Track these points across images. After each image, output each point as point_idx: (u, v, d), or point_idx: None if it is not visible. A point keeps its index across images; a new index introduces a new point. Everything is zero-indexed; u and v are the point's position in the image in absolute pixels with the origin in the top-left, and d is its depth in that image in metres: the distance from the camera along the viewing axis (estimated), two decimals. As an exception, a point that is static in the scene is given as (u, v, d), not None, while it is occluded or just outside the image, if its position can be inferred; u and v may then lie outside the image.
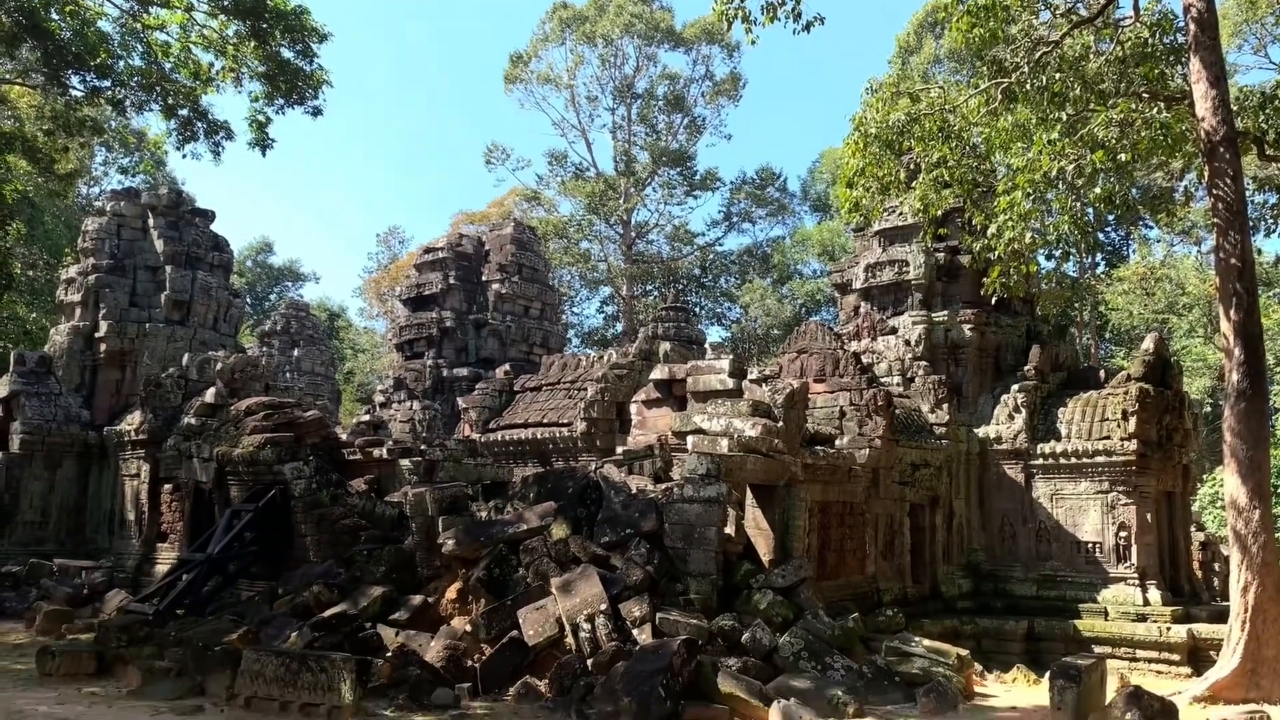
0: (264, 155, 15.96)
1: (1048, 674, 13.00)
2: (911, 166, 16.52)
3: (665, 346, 17.30)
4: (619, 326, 48.44)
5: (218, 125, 17.15)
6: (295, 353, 36.05)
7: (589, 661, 9.71)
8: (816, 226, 45.27)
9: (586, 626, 10.05)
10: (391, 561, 12.49)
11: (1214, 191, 11.36)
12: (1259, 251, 29.53)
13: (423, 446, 14.53)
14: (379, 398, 27.85)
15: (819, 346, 17.12)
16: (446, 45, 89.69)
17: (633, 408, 16.03)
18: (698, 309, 48.20)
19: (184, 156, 17.17)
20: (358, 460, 18.20)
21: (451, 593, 11.77)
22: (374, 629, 11.09)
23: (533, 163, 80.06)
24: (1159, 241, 35.48)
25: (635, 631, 10.12)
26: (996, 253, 12.94)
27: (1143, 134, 11.49)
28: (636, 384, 17.51)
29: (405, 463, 17.20)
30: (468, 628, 10.95)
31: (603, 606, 10.15)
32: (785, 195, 47.91)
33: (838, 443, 15.55)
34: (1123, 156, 11.51)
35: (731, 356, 14.87)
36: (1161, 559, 16.76)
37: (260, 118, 15.70)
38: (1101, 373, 18.60)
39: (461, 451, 14.77)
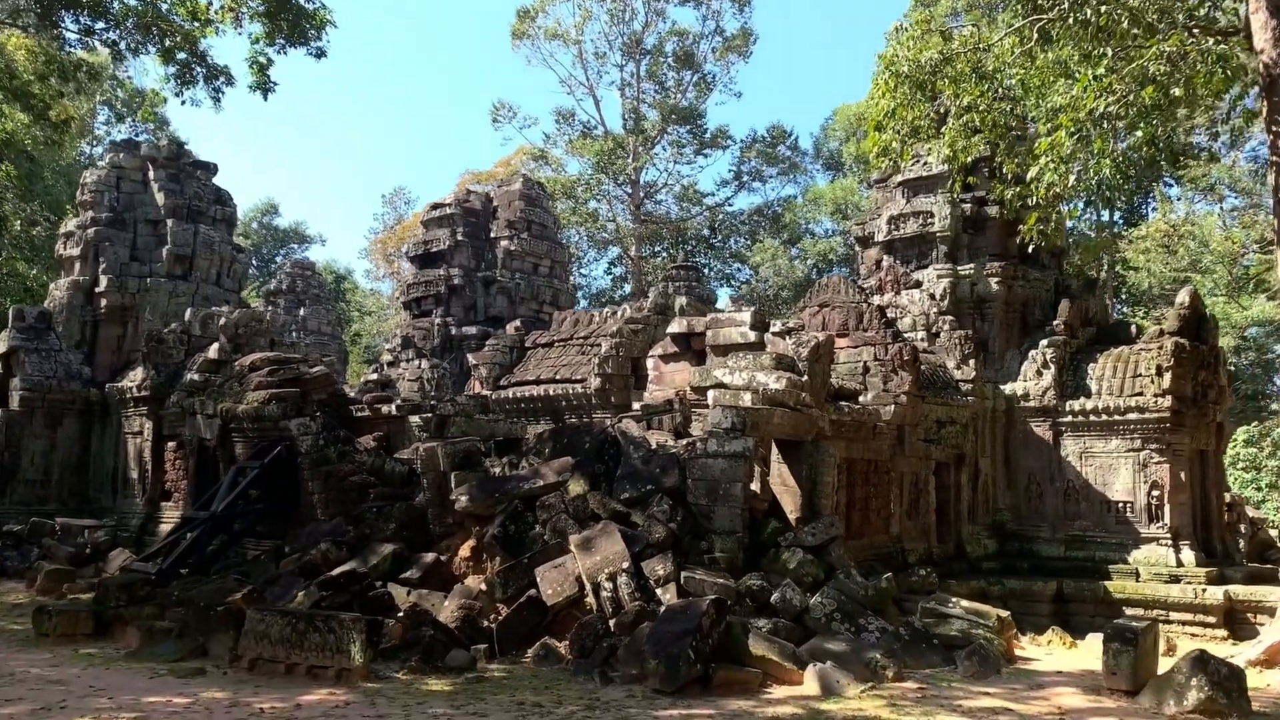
0: (265, 99, 15.29)
1: (1089, 637, 12.63)
2: (941, 111, 15.86)
3: (681, 301, 16.70)
4: (627, 288, 47.77)
5: (217, 70, 16.46)
6: (301, 312, 35.49)
7: (611, 622, 9.23)
8: (829, 184, 44.38)
9: (608, 586, 9.57)
10: (402, 518, 12.00)
11: (1273, 128, 10.70)
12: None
13: (433, 402, 14.01)
14: (387, 357, 27.32)
15: (842, 300, 16.51)
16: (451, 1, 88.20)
17: (649, 362, 15.48)
18: (707, 270, 47.47)
19: (183, 103, 16.43)
20: (366, 417, 17.71)
21: (465, 550, 11.30)
22: (384, 588, 10.62)
23: (540, 121, 78.79)
24: (1180, 199, 34.62)
25: (659, 591, 9.63)
26: (1035, 198, 12.29)
27: (1198, 68, 10.79)
28: (652, 339, 16.95)
29: (415, 419, 16.69)
30: (483, 587, 10.48)
31: (625, 565, 9.65)
32: (797, 154, 46.98)
33: (861, 399, 15.00)
34: (1176, 91, 10.82)
35: (754, 309, 14.28)
36: (1194, 519, 16.25)
37: (261, 59, 15.01)
38: (1133, 328, 18.00)
39: (473, 407, 14.25)
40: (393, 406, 17.41)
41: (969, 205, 18.39)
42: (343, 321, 47.88)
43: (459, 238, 27.31)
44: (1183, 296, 16.96)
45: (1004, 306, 18.03)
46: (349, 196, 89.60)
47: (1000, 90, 14.12)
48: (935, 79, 13.37)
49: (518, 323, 20.70)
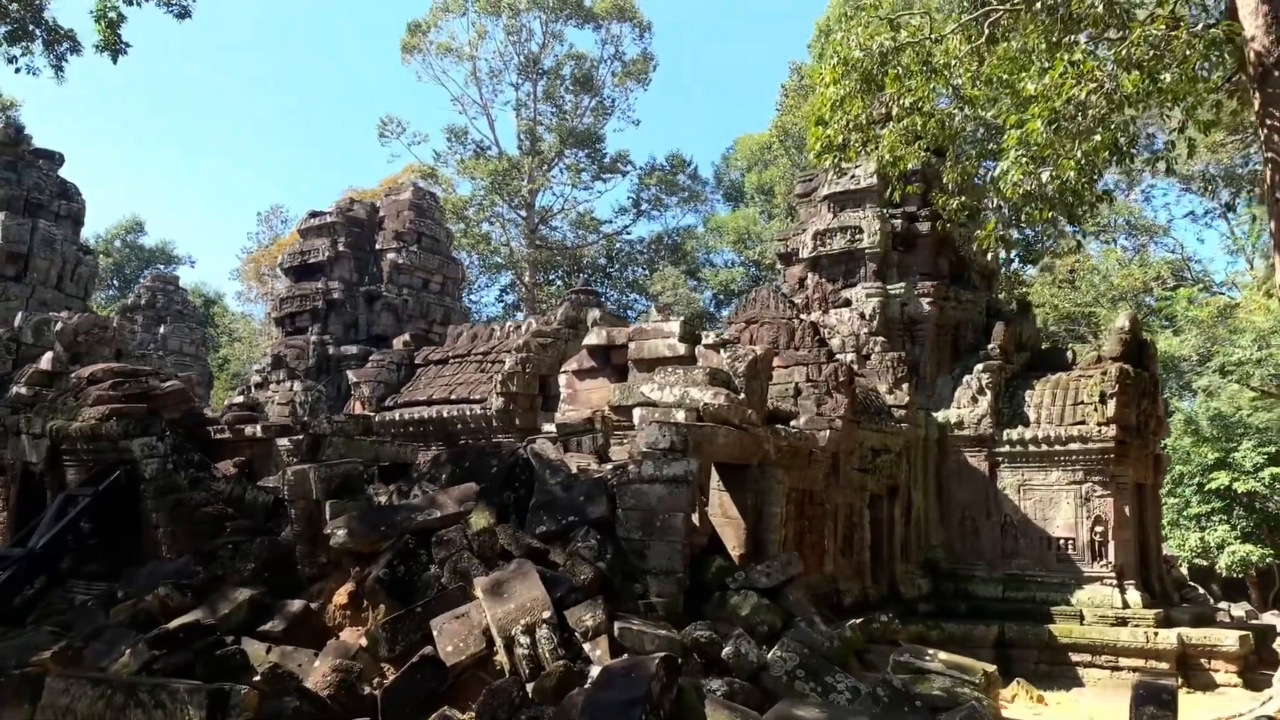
0: (115, 61, 12.99)
1: (1073, 691, 11.33)
2: (881, 113, 14.71)
3: (594, 313, 15.00)
4: (520, 315, 45.79)
5: (60, 33, 14.12)
6: (162, 330, 32.36)
7: (529, 687, 7.34)
8: (731, 214, 43.48)
9: (525, 640, 7.68)
10: (264, 557, 9.86)
11: (1268, 122, 9.70)
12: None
13: (305, 421, 11.94)
14: (255, 378, 24.65)
15: (771, 316, 15.06)
16: (336, 10, 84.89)
17: (561, 379, 13.71)
18: (604, 300, 45.82)
19: (17, 71, 13.99)
20: (226, 440, 15.35)
21: (341, 596, 9.24)
22: (238, 644, 8.46)
23: (430, 138, 76.13)
24: (1077, 233, 34.69)
25: (587, 646, 7.80)
26: (1005, 196, 11.05)
27: (1188, 53, 9.73)
28: (562, 355, 15.18)
29: (284, 442, 14.50)
30: (363, 642, 8.45)
31: (546, 614, 7.79)
32: (697, 183, 46.02)
33: (793, 423, 13.53)
34: (1166, 77, 9.75)
35: (683, 319, 12.68)
36: (1138, 557, 15.30)
37: (111, 14, 12.78)
38: (1070, 353, 17.13)
39: (354, 427, 12.18)
40: (257, 428, 15.15)
41: (899, 221, 17.30)
42: (209, 344, 44.50)
43: (340, 248, 25.00)
44: (1122, 321, 16.15)
45: (935, 329, 16.93)
46: (221, 217, 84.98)
47: (949, 91, 13.02)
48: (886, 68, 12.09)
49: (406, 337, 18.61)
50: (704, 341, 12.28)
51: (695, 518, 9.51)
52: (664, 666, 6.77)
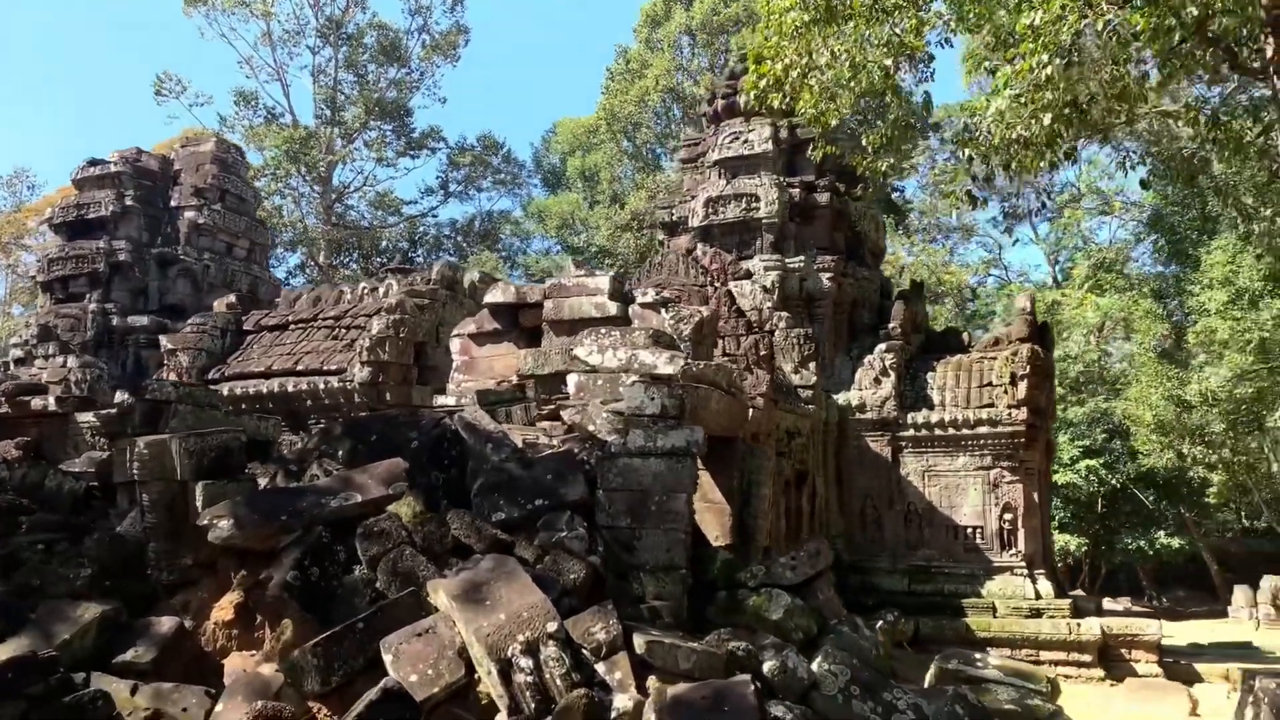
0: None
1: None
2: (805, 60, 13.42)
3: (473, 275, 12.84)
4: (316, 298, 41.91)
5: None
6: (-120, 297, 26.89)
7: (543, 728, 5.35)
8: (553, 198, 41.52)
9: (525, 663, 5.62)
10: (104, 560, 7.19)
11: (1283, 73, 9.04)
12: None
13: (150, 385, 9.16)
14: (16, 353, 20.54)
15: (682, 282, 13.50)
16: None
17: (454, 344, 11.50)
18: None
19: None
20: (4, 417, 12.14)
21: (225, 610, 6.79)
22: (88, 684, 5.89)
23: (215, 99, 69.57)
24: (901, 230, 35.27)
25: (601, 667, 5.85)
26: (993, 139, 9.93)
27: (1210, -17, 8.92)
28: (438, 321, 12.94)
29: (86, 417, 11.52)
30: (273, 669, 6.13)
31: (551, 626, 5.78)
32: (513, 165, 43.75)
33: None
34: (1193, 10, 8.86)
35: (611, 274, 10.85)
36: (1046, 545, 14.82)
37: None
38: (965, 335, 16.53)
39: (203, 394, 9.53)
40: (50, 399, 12.03)
41: (797, 191, 16.17)
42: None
43: (128, 203, 21.26)
44: (1023, 301, 15.66)
45: (834, 306, 15.93)
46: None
47: (891, 35, 11.85)
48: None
49: (232, 298, 15.62)
50: (639, 300, 10.48)
51: (682, 501, 7.71)
52: (757, 695, 4.98)
